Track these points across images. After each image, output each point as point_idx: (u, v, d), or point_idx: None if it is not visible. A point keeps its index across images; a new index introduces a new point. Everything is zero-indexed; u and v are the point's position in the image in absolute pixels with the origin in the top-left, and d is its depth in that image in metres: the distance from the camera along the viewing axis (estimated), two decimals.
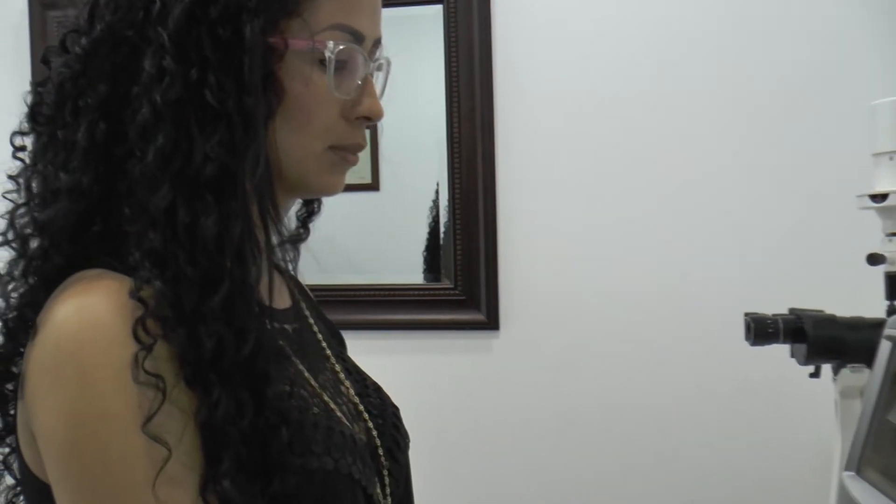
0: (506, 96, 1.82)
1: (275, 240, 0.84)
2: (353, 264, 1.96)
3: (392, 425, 0.83)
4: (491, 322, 1.86)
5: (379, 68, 0.79)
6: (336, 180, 0.75)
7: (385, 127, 0.89)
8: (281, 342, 0.73)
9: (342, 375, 0.81)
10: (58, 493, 0.59)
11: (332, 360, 0.82)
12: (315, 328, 0.83)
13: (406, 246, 1.92)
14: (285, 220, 0.88)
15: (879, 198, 1.00)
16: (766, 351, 1.19)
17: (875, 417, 0.74)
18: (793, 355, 1.10)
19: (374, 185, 1.94)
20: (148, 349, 0.57)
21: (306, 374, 0.74)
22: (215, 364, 0.59)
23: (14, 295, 0.67)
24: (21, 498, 0.69)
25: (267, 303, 0.71)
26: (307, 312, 0.84)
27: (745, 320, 1.09)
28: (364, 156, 1.90)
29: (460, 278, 1.87)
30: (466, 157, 1.84)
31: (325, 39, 0.68)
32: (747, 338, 1.09)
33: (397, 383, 1.88)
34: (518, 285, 1.84)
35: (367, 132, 1.93)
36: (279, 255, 0.83)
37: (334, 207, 1.87)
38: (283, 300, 0.80)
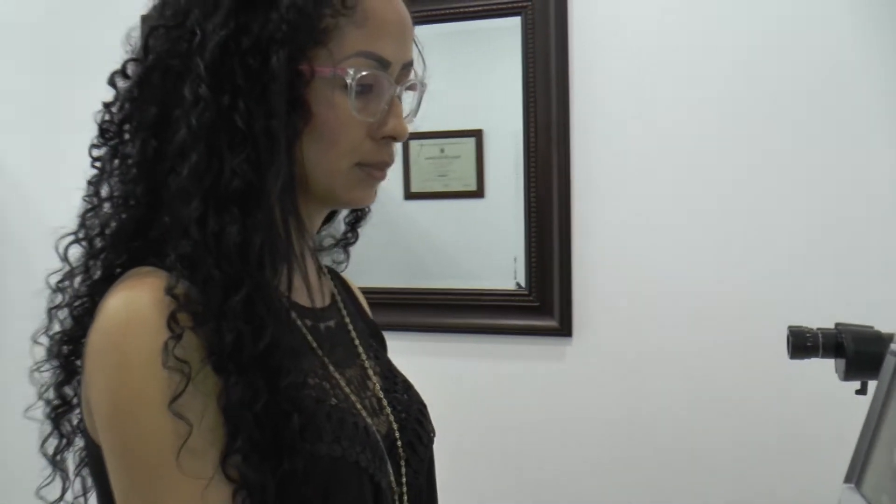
0: (582, 108, 1.85)
1: (323, 243, 0.92)
2: (449, 268, 2.05)
3: (415, 420, 0.89)
4: (564, 329, 1.89)
5: (412, 88, 0.85)
6: (364, 195, 0.82)
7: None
8: (309, 338, 0.81)
9: (370, 372, 0.88)
10: (105, 456, 0.69)
11: (363, 357, 0.89)
12: (350, 327, 0.90)
13: (502, 251, 1.98)
14: (331, 225, 0.97)
15: None
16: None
17: (877, 430, 0.75)
18: (836, 370, 1.10)
19: (479, 193, 2.02)
20: (177, 339, 0.66)
21: (331, 368, 0.81)
22: (234, 355, 0.67)
23: (83, 286, 0.77)
24: None
25: (304, 302, 0.79)
26: (344, 312, 0.92)
27: (787, 333, 1.10)
28: (469, 163, 2.00)
29: (534, 285, 1.91)
30: (542, 168, 1.88)
31: (348, 67, 0.75)
32: (788, 351, 1.10)
33: (470, 386, 1.96)
34: (591, 293, 1.87)
35: (473, 139, 1.99)
36: (319, 258, 0.91)
37: (440, 213, 1.97)
38: (321, 300, 0.88)
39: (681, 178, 1.79)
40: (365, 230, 1.92)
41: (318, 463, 0.71)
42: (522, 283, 1.94)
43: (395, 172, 2.04)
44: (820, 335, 1.08)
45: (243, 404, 0.67)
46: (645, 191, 1.81)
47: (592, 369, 1.87)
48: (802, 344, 1.08)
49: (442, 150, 2.03)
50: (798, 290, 1.71)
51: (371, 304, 1.92)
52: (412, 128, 0.85)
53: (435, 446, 1.79)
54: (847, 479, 0.75)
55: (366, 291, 1.90)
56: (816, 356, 1.08)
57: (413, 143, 2.04)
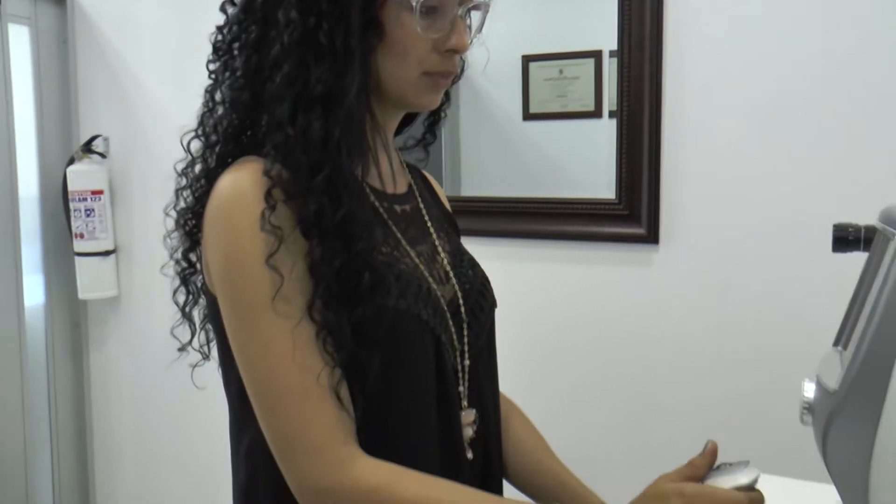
0: (676, 25, 1.89)
1: (406, 143, 1.09)
2: (558, 180, 2.17)
3: (478, 291, 1.05)
4: (651, 236, 1.98)
5: (476, 8, 0.98)
6: (431, 99, 0.97)
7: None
8: (385, 216, 0.97)
9: (440, 249, 1.04)
10: (220, 303, 0.88)
11: (434, 236, 1.05)
12: (424, 212, 1.06)
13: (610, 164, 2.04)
14: (412, 127, 1.12)
15: None
16: None
17: (863, 300, 0.84)
18: None
19: (597, 113, 2.10)
20: (272, 209, 0.84)
21: (404, 242, 0.97)
22: (317, 223, 0.84)
23: (202, 172, 0.96)
24: None
25: (380, 187, 0.96)
26: (419, 199, 1.07)
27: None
28: (588, 84, 2.07)
29: (624, 194, 2.00)
30: (635, 81, 1.94)
31: None
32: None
33: (563, 289, 2.09)
34: (678, 202, 1.94)
35: (592, 60, 2.08)
36: (401, 156, 1.07)
37: (557, 132, 2.07)
38: (399, 187, 1.04)
39: (771, 93, 1.82)
40: (483, 148, 2.06)
41: (384, 314, 0.88)
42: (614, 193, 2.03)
43: (513, 94, 2.16)
44: (862, 229, 1.14)
45: (324, 262, 0.84)
46: (736, 105, 1.85)
47: (677, 274, 1.96)
48: (844, 237, 1.14)
49: (561, 72, 2.10)
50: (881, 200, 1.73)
51: (474, 212, 2.08)
52: (477, 44, 0.99)
53: (527, 341, 1.97)
54: (835, 343, 0.85)
55: (471, 200, 2.06)
56: (858, 249, 1.14)
57: (532, 65, 2.12)
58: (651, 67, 1.93)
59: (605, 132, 2.06)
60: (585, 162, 2.14)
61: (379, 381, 0.88)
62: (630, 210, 2.00)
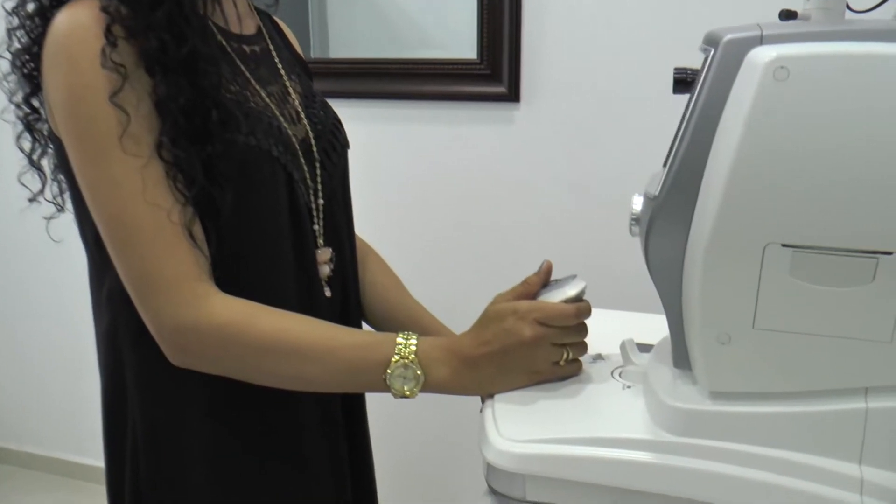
0: None
1: None
2: (431, 44, 2.19)
3: (330, 132, 1.06)
4: (512, 95, 2.02)
5: None
6: None
7: None
8: (233, 55, 0.96)
9: (291, 90, 1.04)
10: (65, 143, 0.87)
11: (285, 78, 1.04)
12: (274, 54, 1.05)
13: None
14: None
15: None
16: None
17: (686, 121, 0.90)
18: None
19: None
20: (113, 46, 0.82)
21: (253, 81, 0.97)
22: (160, 59, 0.83)
23: (36, 10, 0.92)
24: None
25: (225, 27, 0.95)
26: (269, 41, 1.06)
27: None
28: None
29: (486, 54, 2.03)
30: None
31: None
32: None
33: (427, 149, 2.12)
34: (539, 62, 1.98)
35: None
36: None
37: None
38: (247, 28, 1.02)
39: None
40: (350, 14, 1.98)
41: (234, 150, 0.88)
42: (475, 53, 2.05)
43: None
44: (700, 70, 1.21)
45: (170, 99, 0.83)
46: None
47: (537, 130, 2.02)
48: (683, 79, 1.21)
49: None
50: None
51: (340, 74, 2.06)
52: None
53: (391, 200, 1.98)
54: (664, 165, 0.91)
55: (337, 62, 2.03)
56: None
57: None
58: None
59: None
60: (453, 27, 2.15)
61: (232, 217, 0.89)
62: (492, 70, 2.03)
